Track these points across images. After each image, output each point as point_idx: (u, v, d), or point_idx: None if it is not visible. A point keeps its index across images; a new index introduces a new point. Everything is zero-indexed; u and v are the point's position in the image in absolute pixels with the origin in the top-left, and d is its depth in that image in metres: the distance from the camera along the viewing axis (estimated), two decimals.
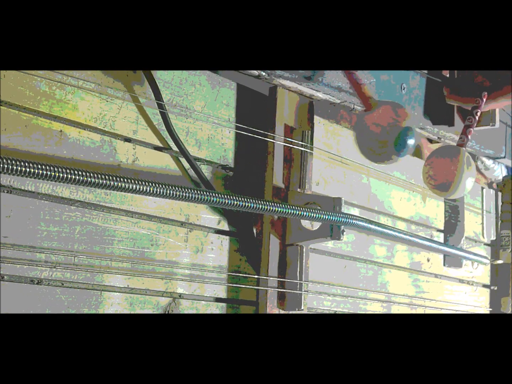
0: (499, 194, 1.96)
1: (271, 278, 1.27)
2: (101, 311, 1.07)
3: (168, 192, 1.01)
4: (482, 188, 1.98)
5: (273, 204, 1.14)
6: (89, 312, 1.05)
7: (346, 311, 1.51)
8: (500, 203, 1.91)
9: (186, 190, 1.03)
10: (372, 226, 1.33)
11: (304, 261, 1.30)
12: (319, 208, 1.25)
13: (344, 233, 1.26)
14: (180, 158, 1.20)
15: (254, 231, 1.31)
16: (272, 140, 1.29)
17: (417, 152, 1.82)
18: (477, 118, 1.28)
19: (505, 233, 1.86)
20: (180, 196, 1.02)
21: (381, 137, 1.14)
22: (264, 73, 1.22)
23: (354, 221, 1.25)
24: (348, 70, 1.19)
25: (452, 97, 1.36)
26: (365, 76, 1.32)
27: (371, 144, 1.15)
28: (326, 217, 1.20)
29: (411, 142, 1.14)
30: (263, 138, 1.27)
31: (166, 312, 1.16)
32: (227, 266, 1.27)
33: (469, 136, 1.27)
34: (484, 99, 1.29)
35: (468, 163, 1.24)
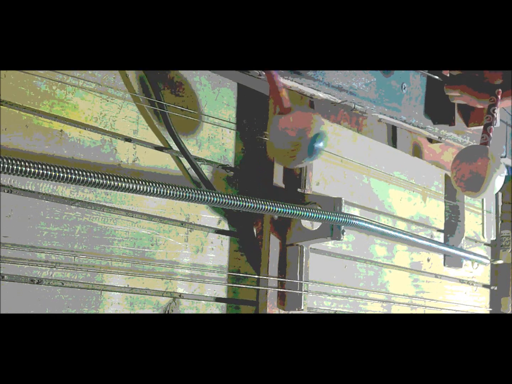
0: (499, 194, 1.96)
1: (271, 278, 1.27)
2: (101, 311, 1.07)
3: (168, 192, 1.01)
4: None
5: (273, 204, 1.14)
6: (89, 312, 1.05)
7: (346, 311, 1.51)
8: (500, 203, 1.92)
9: (187, 190, 1.03)
10: (372, 226, 1.33)
11: (304, 261, 1.30)
12: (319, 208, 1.25)
13: (344, 233, 1.26)
14: (181, 158, 1.20)
15: (254, 231, 1.31)
16: None
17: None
18: (495, 116, 1.30)
19: (505, 233, 1.87)
20: (181, 196, 1.02)
21: (294, 140, 1.13)
22: (264, 73, 1.22)
23: (354, 221, 1.25)
24: (269, 71, 1.17)
25: (467, 91, 1.36)
26: (283, 79, 1.29)
27: (284, 146, 1.14)
28: (326, 217, 1.20)
29: (320, 146, 1.14)
30: (263, 138, 1.27)
31: (166, 312, 1.16)
32: (227, 266, 1.27)
33: (491, 134, 1.28)
34: (499, 96, 1.30)
35: (496, 160, 1.25)
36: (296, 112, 1.14)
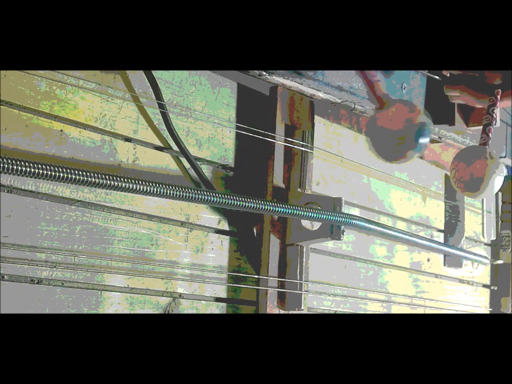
0: (499, 194, 1.96)
1: (271, 278, 1.28)
2: (101, 311, 1.07)
3: (168, 192, 1.01)
4: None
5: (273, 204, 1.14)
6: (89, 312, 1.05)
7: (346, 311, 1.51)
8: (500, 203, 1.92)
9: (187, 190, 1.03)
10: (372, 226, 1.33)
11: (304, 261, 1.30)
12: (319, 208, 1.25)
13: (344, 233, 1.26)
14: (181, 158, 1.20)
15: (254, 231, 1.31)
16: (272, 140, 1.29)
17: None
18: (495, 116, 1.29)
19: (505, 233, 1.87)
20: (181, 196, 1.02)
21: (399, 133, 1.14)
22: (265, 73, 1.22)
23: (354, 221, 1.25)
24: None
25: (467, 91, 1.36)
26: (378, 74, 1.31)
27: (388, 141, 1.15)
28: (326, 217, 1.20)
29: (427, 138, 1.15)
30: (263, 138, 1.27)
31: (166, 312, 1.16)
32: (227, 266, 1.27)
33: (490, 134, 1.28)
34: (499, 97, 1.29)
35: (495, 160, 1.25)
36: (395, 105, 1.14)
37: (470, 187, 1.26)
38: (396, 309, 1.65)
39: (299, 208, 1.17)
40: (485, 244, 1.99)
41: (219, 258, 1.26)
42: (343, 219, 1.23)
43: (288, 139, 1.31)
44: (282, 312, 1.29)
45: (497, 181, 1.25)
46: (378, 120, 1.15)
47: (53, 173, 0.89)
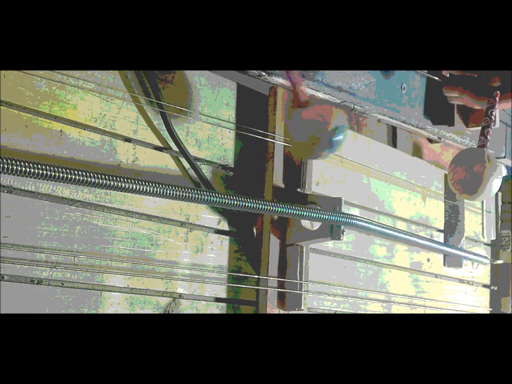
0: (499, 194, 1.96)
1: (271, 278, 1.28)
2: (101, 311, 1.07)
3: (168, 192, 1.01)
4: None
5: (273, 204, 1.14)
6: (89, 312, 1.05)
7: (346, 311, 1.51)
8: (500, 203, 1.92)
9: (186, 190, 1.03)
10: (372, 226, 1.33)
11: (304, 261, 1.30)
12: (319, 208, 1.25)
13: (344, 233, 1.26)
14: (180, 158, 1.20)
15: (254, 231, 1.31)
16: (272, 140, 1.29)
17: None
18: (493, 118, 1.29)
19: (505, 233, 1.87)
20: (180, 196, 1.02)
21: (314, 134, 1.13)
22: (264, 73, 1.22)
23: (354, 221, 1.25)
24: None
25: (465, 92, 1.36)
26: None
27: (304, 141, 1.14)
28: (326, 217, 1.20)
29: (342, 137, 1.15)
30: (263, 138, 1.27)
31: (166, 312, 1.16)
32: (227, 266, 1.27)
33: (488, 137, 1.28)
34: (497, 99, 1.29)
35: (493, 163, 1.25)
36: (315, 105, 1.14)
37: (468, 189, 1.26)
38: (396, 309, 1.65)
39: (299, 208, 1.17)
40: (485, 244, 1.99)
41: (219, 258, 1.26)
42: (343, 219, 1.23)
43: (287, 139, 1.31)
44: (282, 312, 1.29)
45: (495, 184, 1.25)
46: (296, 118, 1.14)
47: (53, 173, 0.89)
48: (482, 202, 1.97)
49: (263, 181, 1.30)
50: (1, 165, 0.85)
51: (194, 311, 1.20)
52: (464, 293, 1.91)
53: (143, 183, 0.98)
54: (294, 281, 1.29)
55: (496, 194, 1.99)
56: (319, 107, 1.14)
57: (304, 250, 1.30)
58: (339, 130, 1.13)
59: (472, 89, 1.35)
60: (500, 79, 1.31)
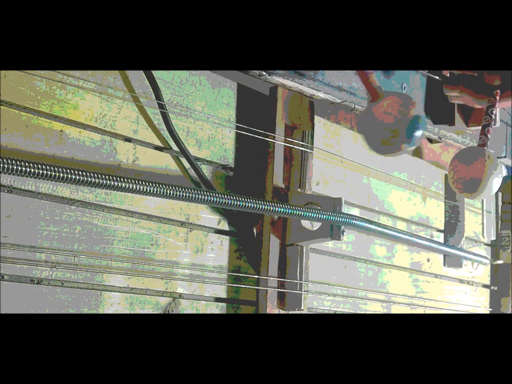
0: (499, 194, 1.96)
1: (271, 278, 1.27)
2: (101, 311, 1.07)
3: (168, 192, 1.01)
4: None
5: (273, 204, 1.14)
6: (89, 312, 1.05)
7: (346, 311, 1.51)
8: (500, 203, 1.91)
9: (187, 190, 1.03)
10: (372, 226, 1.33)
11: (304, 261, 1.30)
12: (319, 208, 1.25)
13: (344, 233, 1.26)
14: (181, 158, 1.20)
15: (254, 231, 1.31)
16: (272, 140, 1.29)
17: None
18: (493, 117, 1.29)
19: (505, 233, 1.86)
20: (180, 196, 1.02)
21: (392, 126, 1.13)
22: (265, 73, 1.22)
23: (354, 221, 1.25)
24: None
25: (465, 91, 1.36)
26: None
27: (381, 134, 1.14)
28: (326, 217, 1.20)
29: (421, 131, 1.14)
30: (263, 138, 1.27)
31: (166, 312, 1.16)
32: (227, 266, 1.27)
33: (489, 136, 1.28)
34: (497, 98, 1.29)
35: (494, 162, 1.25)
36: (389, 97, 1.14)
37: (468, 188, 1.26)
38: (396, 309, 1.65)
39: (299, 208, 1.17)
40: (485, 244, 1.99)
41: (219, 258, 1.26)
42: (343, 219, 1.23)
43: (288, 139, 1.31)
44: (282, 312, 1.29)
45: (495, 182, 1.25)
46: (371, 112, 1.14)
47: (53, 173, 0.89)
48: (482, 202, 1.97)
49: (263, 181, 1.30)
50: (1, 165, 0.85)
51: (194, 311, 1.20)
52: (464, 293, 1.91)
53: (144, 183, 0.98)
54: (294, 281, 1.29)
55: (496, 194, 1.99)
56: (395, 98, 1.13)
57: (304, 250, 1.30)
58: (421, 121, 1.12)
59: (472, 88, 1.35)
60: (500, 78, 1.31)
